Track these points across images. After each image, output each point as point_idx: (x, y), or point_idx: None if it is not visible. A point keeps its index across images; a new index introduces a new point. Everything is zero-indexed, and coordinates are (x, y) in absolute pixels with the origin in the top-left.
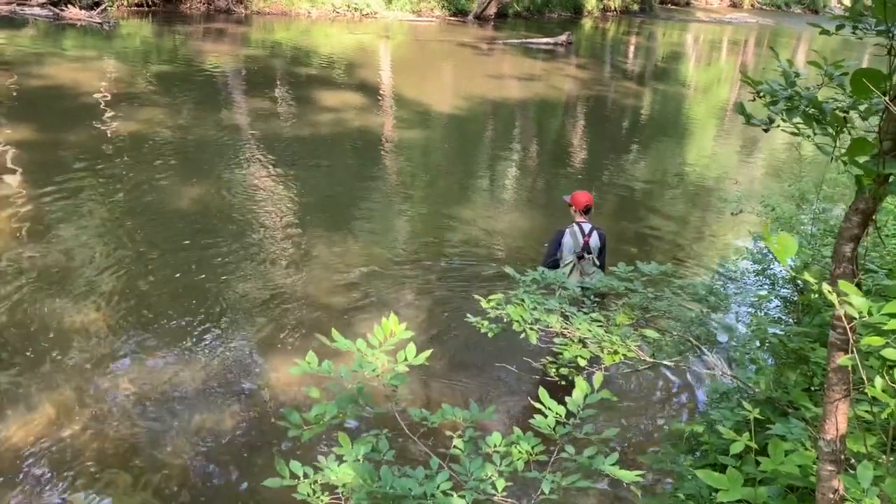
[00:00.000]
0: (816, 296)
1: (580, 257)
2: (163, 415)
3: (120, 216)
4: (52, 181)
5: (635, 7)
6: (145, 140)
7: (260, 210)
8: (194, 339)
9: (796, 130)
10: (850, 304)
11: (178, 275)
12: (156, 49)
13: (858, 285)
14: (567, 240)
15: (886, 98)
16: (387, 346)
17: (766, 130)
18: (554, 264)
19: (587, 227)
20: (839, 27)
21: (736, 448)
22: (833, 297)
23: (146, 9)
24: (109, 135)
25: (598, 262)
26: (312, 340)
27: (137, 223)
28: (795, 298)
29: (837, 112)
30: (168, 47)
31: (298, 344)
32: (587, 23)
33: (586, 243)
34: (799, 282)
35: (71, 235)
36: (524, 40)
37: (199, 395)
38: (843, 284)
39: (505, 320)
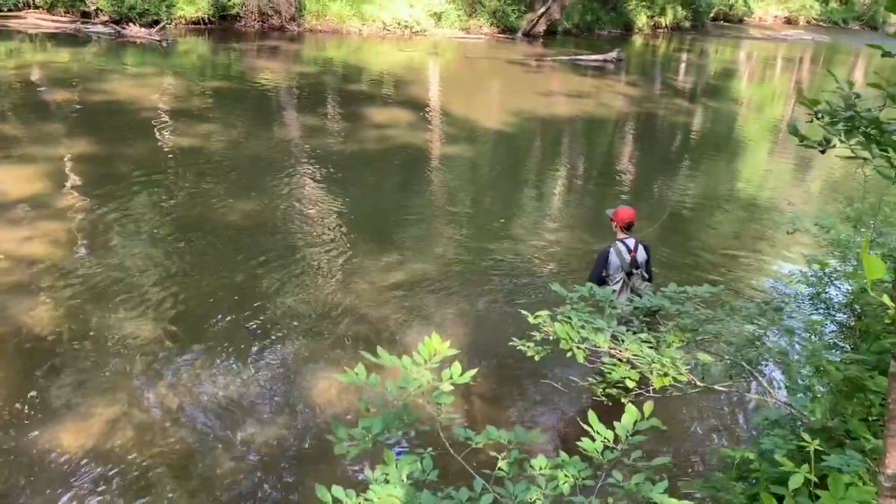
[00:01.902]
0: (887, 321)
1: (629, 274)
2: (210, 425)
3: (173, 228)
4: (109, 193)
5: (687, 24)
6: (200, 154)
7: (309, 224)
8: (243, 351)
9: (853, 153)
10: None
11: (228, 287)
12: (211, 66)
13: None
14: (613, 258)
15: None
16: (432, 364)
17: (822, 151)
18: (599, 284)
19: (631, 242)
20: None
21: (796, 481)
22: None
23: (203, 27)
24: (165, 149)
25: (645, 276)
26: (358, 354)
27: (190, 235)
28: (852, 324)
29: None
30: (223, 64)
31: (344, 357)
32: (637, 40)
33: (633, 258)
34: (856, 307)
35: (126, 246)
36: (573, 57)
37: (246, 407)
38: None
39: (551, 338)
